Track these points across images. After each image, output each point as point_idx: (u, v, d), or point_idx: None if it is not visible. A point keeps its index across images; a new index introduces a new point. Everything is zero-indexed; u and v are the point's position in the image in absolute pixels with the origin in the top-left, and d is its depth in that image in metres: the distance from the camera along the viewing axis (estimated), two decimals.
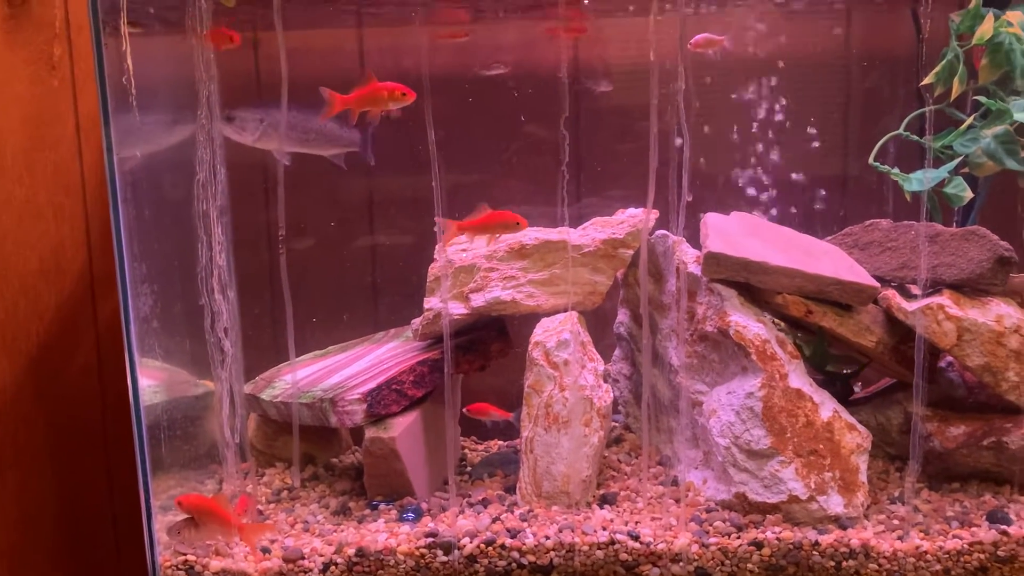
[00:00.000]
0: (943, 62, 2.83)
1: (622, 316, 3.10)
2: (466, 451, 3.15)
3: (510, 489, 2.71)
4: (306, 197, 3.26)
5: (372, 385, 2.67)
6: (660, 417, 2.93)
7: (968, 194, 2.75)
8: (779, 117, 3.17)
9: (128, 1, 2.24)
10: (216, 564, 2.40)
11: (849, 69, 3.27)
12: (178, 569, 2.40)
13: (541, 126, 3.10)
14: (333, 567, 2.41)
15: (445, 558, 2.40)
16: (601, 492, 2.67)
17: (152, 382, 2.70)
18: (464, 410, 2.93)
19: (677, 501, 2.57)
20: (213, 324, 2.39)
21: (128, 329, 2.32)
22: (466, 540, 2.42)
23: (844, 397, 2.85)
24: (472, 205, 2.52)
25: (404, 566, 2.40)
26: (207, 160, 2.28)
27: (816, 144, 3.19)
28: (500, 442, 3.22)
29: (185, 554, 2.42)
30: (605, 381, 2.75)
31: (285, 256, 2.46)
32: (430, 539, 2.43)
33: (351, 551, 2.41)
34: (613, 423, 3.21)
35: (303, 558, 2.41)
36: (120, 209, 2.26)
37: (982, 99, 2.80)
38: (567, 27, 3.03)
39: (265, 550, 2.44)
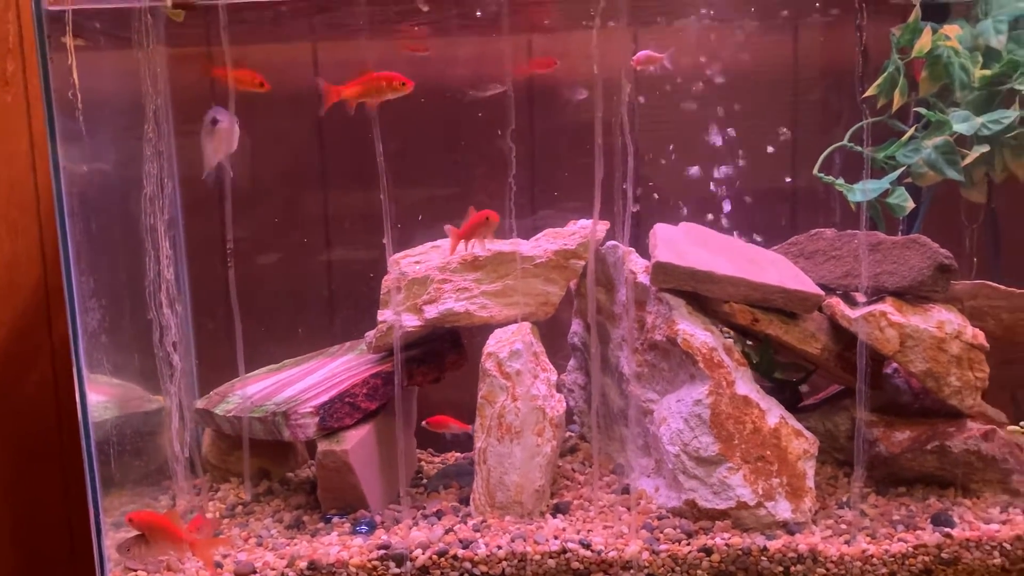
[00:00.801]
0: (884, 74, 2.90)
1: (576, 326, 3.13)
2: (423, 463, 3.15)
3: (465, 500, 2.72)
4: (263, 211, 3.27)
5: (325, 398, 2.68)
6: (613, 426, 2.95)
7: (910, 204, 2.81)
8: (729, 130, 3.22)
9: (74, 15, 2.24)
10: None
11: (797, 82, 3.34)
12: None
13: (495, 139, 3.13)
14: None
15: (397, 570, 2.41)
16: (555, 501, 2.68)
17: (105, 398, 2.69)
18: (424, 423, 2.94)
19: (629, 509, 2.60)
20: (162, 338, 2.38)
21: (76, 344, 2.31)
22: (418, 552, 2.43)
23: (793, 404, 2.89)
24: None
25: None
26: (154, 174, 2.27)
27: (770, 149, 3.24)
28: (457, 454, 3.22)
29: (135, 570, 2.41)
30: (559, 391, 2.77)
31: (233, 270, 2.46)
32: (382, 551, 2.43)
33: (303, 564, 2.41)
34: (568, 433, 3.23)
35: (255, 572, 2.41)
36: (68, 224, 2.25)
37: (923, 111, 2.87)
38: (536, 62, 3.07)
39: (218, 565, 2.43)
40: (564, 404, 2.73)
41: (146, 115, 2.31)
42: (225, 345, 3.07)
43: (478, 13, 2.82)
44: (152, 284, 2.36)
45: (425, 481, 2.96)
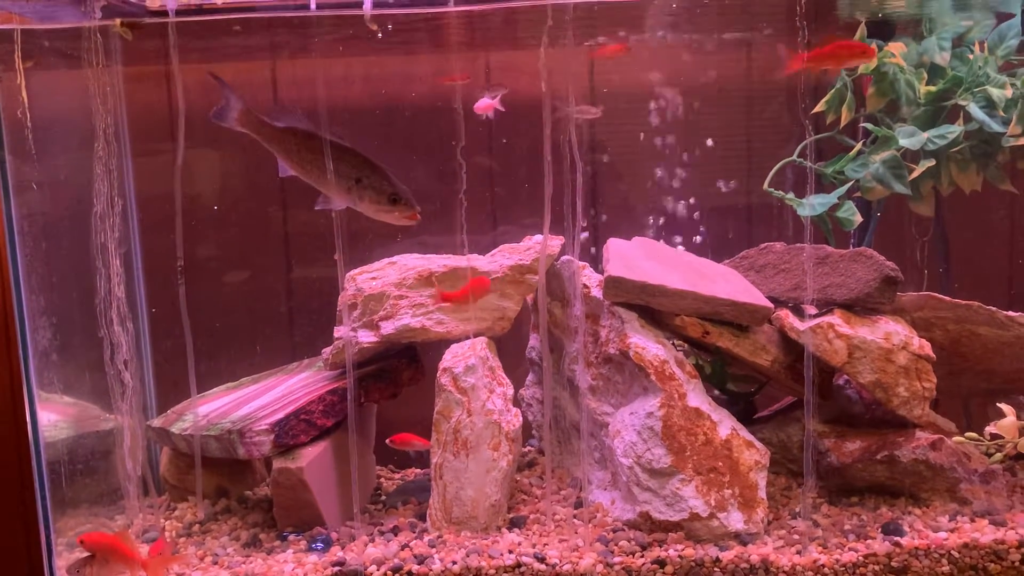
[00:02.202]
0: (833, 91, 2.96)
1: (533, 341, 3.15)
2: (382, 480, 3.15)
3: (422, 516, 2.72)
4: (223, 228, 3.27)
5: (280, 415, 2.68)
6: (570, 440, 2.97)
7: (858, 218, 2.86)
8: (682, 144, 3.26)
9: (23, 34, 2.25)
10: None
11: (751, 99, 3.39)
12: None
13: (452, 155, 3.16)
14: None
15: None
16: (511, 516, 2.69)
17: (59, 417, 2.67)
18: (388, 441, 2.94)
19: (586, 522, 2.61)
20: (113, 356, 2.37)
21: (27, 363, 2.30)
22: (373, 568, 2.43)
23: (747, 416, 2.92)
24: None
25: None
26: (104, 192, 2.27)
27: (723, 166, 3.29)
28: (417, 470, 3.23)
29: None
30: (517, 406, 2.79)
31: (184, 287, 2.46)
32: (336, 568, 2.43)
33: None
34: (528, 447, 3.24)
35: None
36: (17, 242, 2.25)
37: (869, 126, 2.92)
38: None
39: None
40: (520, 418, 2.74)
41: (96, 133, 2.31)
42: (184, 364, 3.07)
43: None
44: (103, 302, 2.35)
45: (384, 497, 2.96)
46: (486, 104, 2.78)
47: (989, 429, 2.79)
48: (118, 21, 2.34)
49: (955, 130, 2.86)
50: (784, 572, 2.42)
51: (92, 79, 2.32)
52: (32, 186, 2.33)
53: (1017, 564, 2.43)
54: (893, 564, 2.44)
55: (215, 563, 2.55)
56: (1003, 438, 2.83)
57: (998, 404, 2.85)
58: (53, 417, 2.52)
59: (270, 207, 3.31)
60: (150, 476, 2.78)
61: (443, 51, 3.05)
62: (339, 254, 2.39)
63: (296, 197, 3.29)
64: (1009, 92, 2.83)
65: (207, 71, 2.31)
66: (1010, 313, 2.72)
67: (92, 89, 2.31)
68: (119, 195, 2.38)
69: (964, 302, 2.74)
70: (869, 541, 2.50)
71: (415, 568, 2.43)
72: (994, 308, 2.72)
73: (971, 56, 2.90)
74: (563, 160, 2.45)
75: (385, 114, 3.20)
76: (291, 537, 2.63)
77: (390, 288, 2.83)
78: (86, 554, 2.39)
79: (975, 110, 2.84)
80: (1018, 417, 2.82)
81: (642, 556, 2.44)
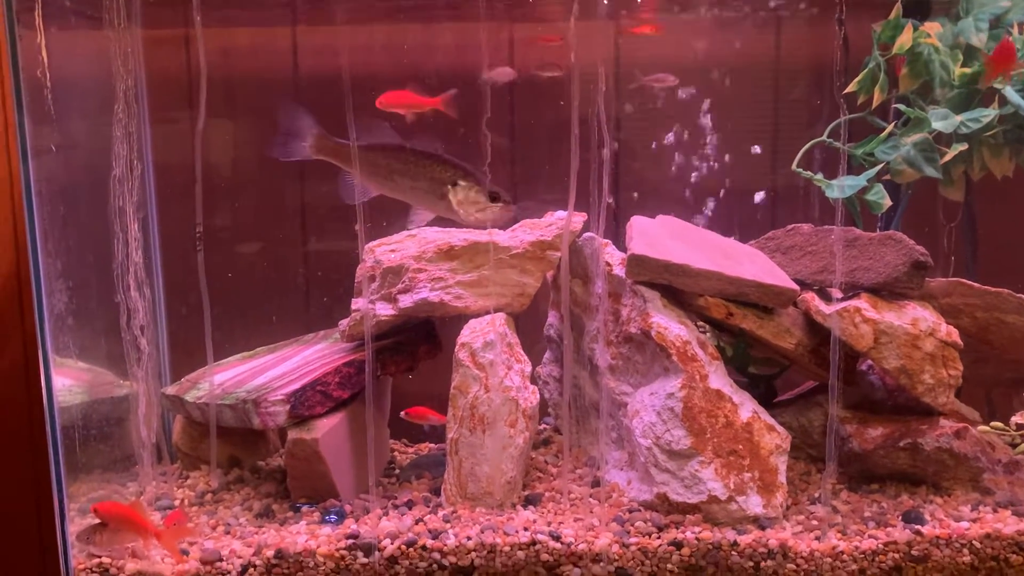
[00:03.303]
0: (865, 71, 2.89)
1: (552, 318, 3.11)
2: (396, 453, 3.13)
3: (437, 491, 2.70)
4: (243, 199, 3.24)
5: (296, 386, 2.65)
6: (588, 419, 2.94)
7: (887, 201, 2.81)
8: (711, 124, 3.21)
9: None
10: (131, 567, 2.36)
11: (779, 78, 3.33)
12: (92, 572, 2.36)
13: (475, 129, 3.12)
14: (251, 569, 2.38)
15: (365, 560, 2.39)
16: (527, 493, 2.67)
17: (74, 383, 2.66)
18: (402, 413, 2.92)
19: (601, 502, 2.59)
20: (129, 321, 2.35)
21: (42, 327, 2.28)
22: (387, 541, 2.41)
23: (768, 399, 2.88)
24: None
25: (324, 568, 2.38)
26: (123, 155, 2.24)
27: (756, 149, 3.23)
28: (431, 445, 3.21)
29: (99, 556, 2.38)
30: (534, 383, 2.76)
31: (203, 254, 2.43)
32: (350, 541, 2.41)
33: (270, 553, 2.38)
34: (544, 425, 3.22)
35: (221, 560, 2.38)
36: (35, 205, 2.22)
37: (902, 107, 2.86)
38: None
39: (184, 552, 2.41)
40: (538, 396, 2.71)
41: (116, 95, 2.27)
42: (200, 332, 3.05)
43: None
44: (120, 266, 2.32)
45: (398, 471, 2.94)
46: (504, 72, 2.73)
47: (1015, 419, 2.74)
48: None
49: (989, 114, 2.79)
50: (802, 558, 2.38)
51: (113, 40, 2.28)
52: (51, 148, 2.29)
53: None
54: (913, 553, 2.40)
55: (227, 533, 2.54)
56: None
57: None
58: (67, 382, 2.51)
59: (289, 176, 3.27)
60: (164, 444, 2.76)
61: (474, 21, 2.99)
62: (360, 224, 2.35)
63: (314, 167, 3.25)
64: None
65: (278, 102, 2.24)
66: None
67: (112, 50, 2.27)
68: (138, 159, 2.35)
69: (993, 289, 2.69)
70: (889, 529, 2.46)
71: (429, 543, 2.41)
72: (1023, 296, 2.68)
73: (1008, 38, 2.83)
74: (589, 136, 2.40)
75: (405, 85, 3.16)
76: (304, 508, 2.62)
77: (409, 261, 2.79)
78: (97, 521, 2.39)
79: (1011, 93, 2.77)
80: None
81: (658, 537, 2.41)
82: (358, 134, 2.28)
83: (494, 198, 2.30)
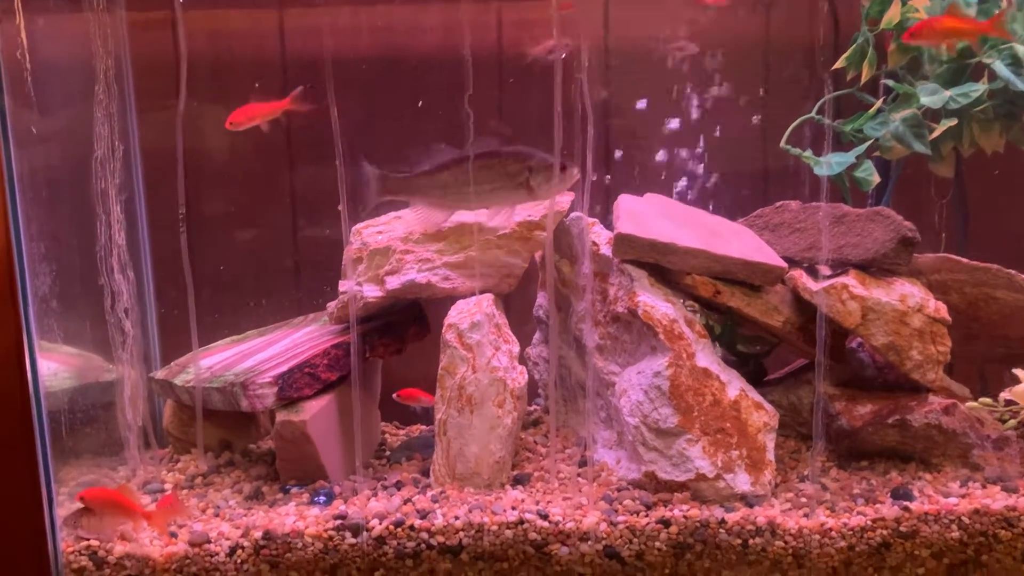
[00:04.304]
0: (854, 46, 2.87)
1: (541, 299, 3.10)
2: (387, 435, 3.14)
3: (426, 472, 2.70)
4: (231, 183, 3.23)
5: (284, 368, 2.65)
6: (576, 399, 2.94)
7: (875, 177, 2.79)
8: (701, 102, 3.19)
9: None
10: (120, 549, 2.37)
11: (768, 56, 3.30)
12: (80, 555, 2.36)
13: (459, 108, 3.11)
14: (240, 551, 2.38)
15: (353, 540, 2.39)
16: (516, 473, 2.67)
17: (63, 367, 2.65)
18: (394, 395, 2.92)
19: (591, 481, 2.58)
20: (113, 304, 2.34)
21: (27, 311, 2.27)
22: (375, 522, 2.41)
23: (757, 378, 2.88)
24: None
25: (312, 548, 2.39)
26: (105, 136, 2.23)
27: (756, 120, 3.21)
28: (422, 427, 3.21)
29: (88, 539, 2.38)
30: (523, 364, 2.75)
31: (185, 236, 2.42)
32: (338, 521, 2.41)
33: (258, 534, 2.39)
34: (534, 406, 3.21)
35: (209, 542, 2.39)
36: (16, 188, 2.21)
37: (891, 83, 2.84)
38: None
39: (172, 535, 2.41)
40: (526, 376, 2.70)
41: (96, 75, 2.26)
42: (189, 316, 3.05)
43: None
44: (103, 249, 2.31)
45: (388, 453, 2.94)
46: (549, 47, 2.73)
47: (1004, 395, 2.73)
48: None
49: (979, 88, 2.77)
50: (791, 535, 2.38)
51: (93, 21, 2.27)
52: (32, 130, 2.28)
53: None
54: (902, 529, 2.40)
55: (216, 515, 2.54)
56: (1018, 404, 2.78)
57: (1014, 370, 2.79)
58: (55, 366, 2.50)
59: (278, 160, 3.26)
60: (151, 427, 2.76)
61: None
62: (343, 205, 2.34)
63: (302, 150, 3.24)
64: None
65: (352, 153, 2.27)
66: None
67: (92, 31, 2.26)
68: (120, 140, 2.33)
69: (982, 264, 2.67)
70: (878, 505, 2.46)
71: (417, 523, 2.41)
72: (1013, 272, 2.66)
73: (998, 11, 2.80)
74: (574, 113, 2.39)
75: (391, 65, 3.14)
76: (293, 490, 2.62)
77: (396, 243, 2.79)
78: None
79: (1000, 68, 2.75)
80: None
81: (646, 516, 2.41)
82: (418, 161, 2.34)
83: (563, 168, 2.34)
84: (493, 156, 2.32)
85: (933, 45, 2.61)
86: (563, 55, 2.37)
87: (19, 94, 2.24)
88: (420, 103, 3.01)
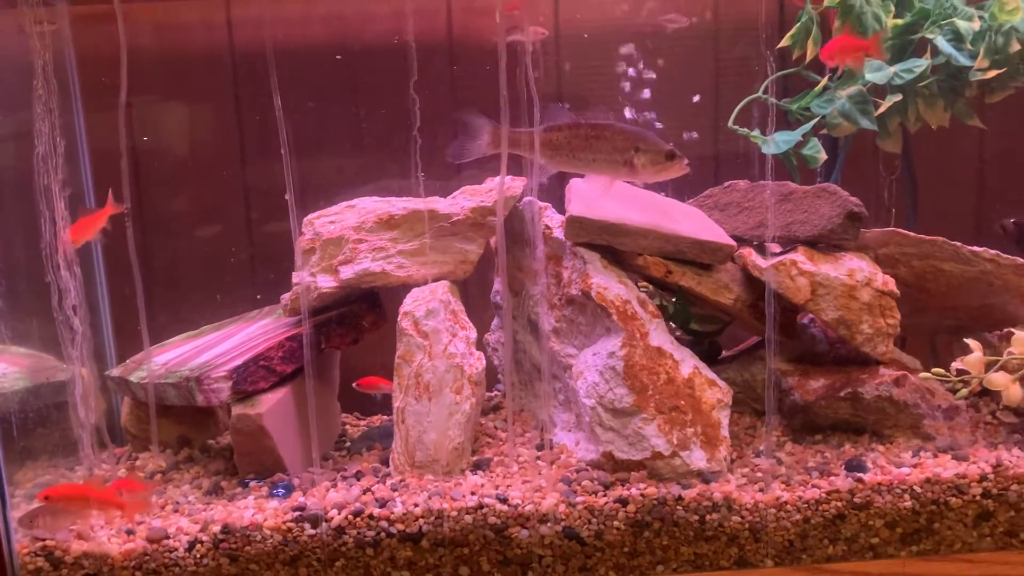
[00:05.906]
0: (798, 24, 2.90)
1: (498, 285, 3.11)
2: (347, 427, 3.13)
3: (386, 461, 2.70)
4: (183, 177, 3.20)
5: (239, 362, 2.64)
6: (534, 382, 2.95)
7: (822, 155, 2.82)
8: (649, 84, 3.20)
9: None
10: (77, 548, 2.35)
11: (718, 36, 3.32)
12: (37, 555, 2.34)
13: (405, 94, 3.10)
14: (199, 545, 2.37)
15: (312, 531, 2.39)
16: (475, 459, 2.68)
17: (15, 368, 2.63)
18: (354, 384, 2.91)
19: (550, 464, 2.60)
20: (61, 302, 2.32)
21: None
22: (334, 512, 2.41)
23: (712, 356, 2.91)
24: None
25: (271, 541, 2.38)
26: (46, 133, 2.20)
27: (695, 99, 3.22)
28: (384, 417, 3.20)
29: (43, 540, 2.36)
30: (481, 350, 2.76)
31: (131, 230, 2.40)
32: (297, 513, 2.41)
33: (216, 528, 2.38)
34: (494, 392, 3.22)
35: (167, 537, 2.37)
36: None
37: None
38: None
39: (129, 532, 2.40)
40: (484, 362, 2.71)
41: (34, 71, 2.23)
42: (145, 313, 3.02)
43: None
44: (48, 246, 2.29)
45: (348, 443, 2.94)
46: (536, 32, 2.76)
47: (955, 365, 2.77)
48: None
49: (922, 64, 2.81)
50: (747, 509, 2.41)
51: (27, 15, 2.23)
52: None
53: (978, 498, 2.44)
54: (856, 500, 2.44)
55: (175, 511, 2.53)
56: (969, 374, 2.83)
57: (965, 340, 2.84)
58: (4, 367, 2.48)
59: (232, 154, 3.24)
60: (107, 426, 2.74)
61: None
62: (289, 194, 2.33)
63: (255, 146, 3.22)
64: (976, 24, 2.78)
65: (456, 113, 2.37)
66: (975, 248, 2.69)
67: (28, 26, 2.23)
68: (63, 137, 2.31)
69: (929, 238, 2.71)
70: (832, 478, 2.49)
71: (376, 511, 2.41)
72: (959, 243, 2.70)
73: (876, 32, 2.84)
74: (520, 97, 2.39)
75: (337, 53, 3.12)
76: (252, 484, 2.61)
77: (349, 232, 2.78)
78: (39, 504, 2.36)
79: (942, 43, 2.79)
80: (984, 354, 2.81)
81: (604, 495, 2.43)
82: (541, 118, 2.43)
83: (670, 156, 2.43)
84: (606, 128, 2.44)
85: (844, 63, 2.77)
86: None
87: None
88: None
